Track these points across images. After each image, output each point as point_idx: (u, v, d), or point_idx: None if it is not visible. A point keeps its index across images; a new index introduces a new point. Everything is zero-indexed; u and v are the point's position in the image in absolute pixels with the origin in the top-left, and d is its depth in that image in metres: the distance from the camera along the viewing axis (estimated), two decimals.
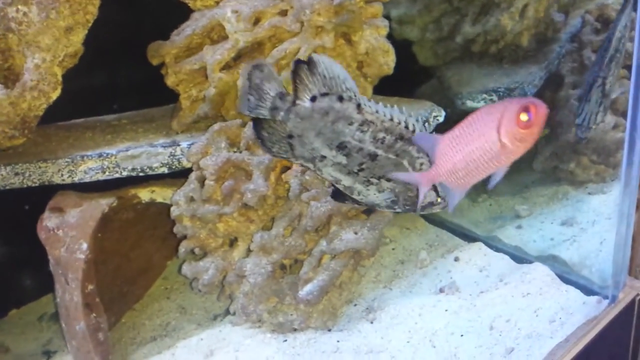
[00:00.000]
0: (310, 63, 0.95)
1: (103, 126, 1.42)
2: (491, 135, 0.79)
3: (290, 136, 1.00)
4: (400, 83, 1.48)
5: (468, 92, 1.60)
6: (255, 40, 1.27)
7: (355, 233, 1.21)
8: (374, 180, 1.01)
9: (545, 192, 1.76)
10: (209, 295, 1.39)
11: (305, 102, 0.97)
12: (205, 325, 1.31)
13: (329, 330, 1.23)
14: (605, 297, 1.30)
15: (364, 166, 0.99)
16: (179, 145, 1.23)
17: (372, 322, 1.24)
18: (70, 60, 1.22)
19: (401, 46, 1.65)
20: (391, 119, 0.97)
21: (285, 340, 1.20)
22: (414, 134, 0.98)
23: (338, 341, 1.19)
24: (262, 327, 1.24)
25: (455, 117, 1.63)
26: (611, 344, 1.34)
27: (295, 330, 1.22)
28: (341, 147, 0.98)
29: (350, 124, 0.96)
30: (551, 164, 1.79)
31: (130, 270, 1.40)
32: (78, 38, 1.19)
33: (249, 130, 1.22)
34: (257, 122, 1.01)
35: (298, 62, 0.96)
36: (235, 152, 1.23)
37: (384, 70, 1.33)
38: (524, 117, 0.76)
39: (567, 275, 1.34)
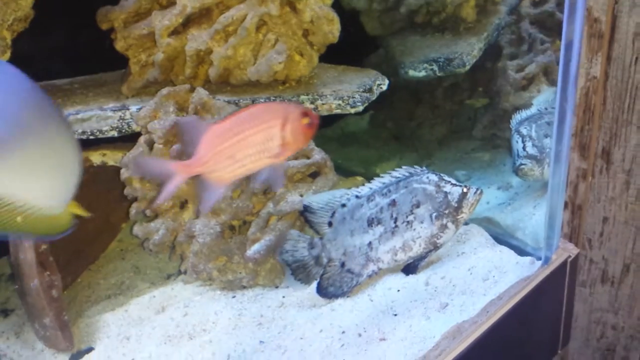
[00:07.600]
0: (305, 209, 1.21)
1: (54, 90, 1.42)
2: (273, 129, 0.82)
3: (343, 264, 1.20)
4: (349, 52, 1.51)
5: (410, 62, 1.64)
6: (203, 6, 1.29)
7: (301, 195, 1.26)
8: (411, 218, 1.20)
9: (483, 159, 1.81)
10: (163, 256, 1.42)
11: (327, 229, 1.20)
12: (158, 284, 1.34)
13: (276, 287, 1.27)
14: (539, 259, 1.31)
15: (394, 214, 1.19)
16: (128, 109, 1.26)
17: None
18: (20, 24, 1.21)
19: (350, 16, 1.68)
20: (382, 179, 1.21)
21: (234, 297, 1.24)
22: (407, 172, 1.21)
23: (283, 297, 1.24)
24: (212, 285, 1.28)
25: (398, 85, 1.68)
26: (545, 303, 1.37)
27: (244, 287, 1.26)
28: (370, 222, 1.20)
29: (362, 206, 1.20)
30: (489, 132, 1.85)
31: (86, 231, 1.42)
32: (27, 2, 1.19)
33: (196, 95, 1.25)
34: (320, 285, 1.20)
35: (300, 213, 1.23)
36: (183, 116, 1.25)
37: (329, 38, 1.35)
38: (306, 120, 0.83)
39: (501, 236, 1.37)
